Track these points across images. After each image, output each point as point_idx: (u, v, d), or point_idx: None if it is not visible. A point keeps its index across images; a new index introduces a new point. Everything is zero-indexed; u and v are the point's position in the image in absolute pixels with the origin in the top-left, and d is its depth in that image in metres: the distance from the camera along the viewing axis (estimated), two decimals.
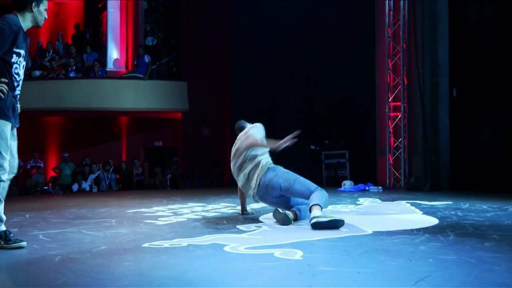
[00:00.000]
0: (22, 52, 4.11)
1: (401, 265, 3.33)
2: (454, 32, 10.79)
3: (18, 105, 4.21)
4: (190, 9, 15.21)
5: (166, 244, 4.13)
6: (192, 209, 6.79)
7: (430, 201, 7.53)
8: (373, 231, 4.69)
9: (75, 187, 13.35)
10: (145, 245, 4.12)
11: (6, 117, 4.00)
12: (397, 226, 5.08)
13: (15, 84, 4.13)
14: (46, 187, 13.44)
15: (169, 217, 5.94)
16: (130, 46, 15.55)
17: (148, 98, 14.50)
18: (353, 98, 12.70)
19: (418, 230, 4.76)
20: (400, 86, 11.28)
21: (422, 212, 6.21)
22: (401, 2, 11.29)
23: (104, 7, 15.48)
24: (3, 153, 3.96)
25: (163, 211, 6.62)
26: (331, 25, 12.45)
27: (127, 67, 15.42)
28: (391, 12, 11.46)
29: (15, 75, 4.11)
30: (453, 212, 6.15)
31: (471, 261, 3.42)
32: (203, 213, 6.32)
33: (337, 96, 12.92)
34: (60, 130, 15.80)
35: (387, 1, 11.42)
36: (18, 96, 4.20)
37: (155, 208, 6.91)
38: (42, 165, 14.60)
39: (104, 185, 13.47)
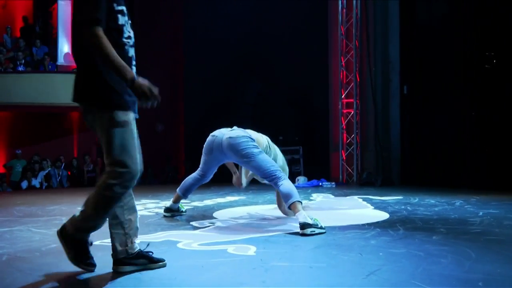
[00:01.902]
0: (125, 9, 3.18)
1: (353, 259, 3.39)
2: (405, 30, 11.04)
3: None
4: (143, 2, 15.01)
5: None
6: (145, 206, 6.72)
7: (381, 196, 7.69)
8: (326, 226, 4.75)
9: (24, 184, 13.01)
10: (97, 242, 4.03)
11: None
12: (349, 221, 5.16)
13: (130, 55, 3.13)
14: None
15: None
16: None
17: None
18: (307, 95, 12.85)
19: (369, 224, 4.85)
20: (352, 83, 11.46)
21: (373, 207, 6.34)
22: (354, 1, 11.46)
23: (54, 0, 15.10)
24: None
25: None
26: (285, 22, 12.56)
27: None
28: (344, 10, 11.62)
29: (127, 40, 3.15)
30: (403, 207, 6.30)
31: (419, 254, 3.51)
32: (156, 210, 6.27)
33: (291, 93, 13.03)
34: (8, 126, 15.35)
35: None
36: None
37: None
38: None
39: (54, 182, 13.18)
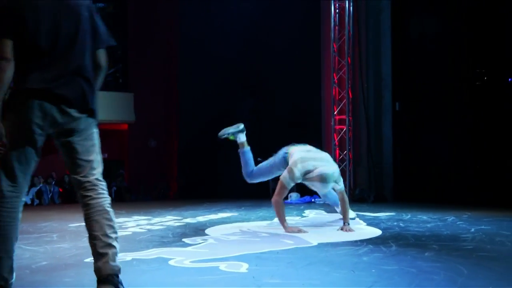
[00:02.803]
0: None
1: (345, 276, 3.38)
2: (397, 47, 11.14)
3: None
4: (137, 19, 15.08)
5: None
6: (137, 223, 6.69)
7: (374, 212, 7.69)
8: (318, 243, 4.74)
9: None
10: (88, 260, 4.01)
11: None
12: (341, 237, 5.15)
13: None
14: None
15: None
16: None
17: None
18: (300, 111, 12.88)
19: (362, 241, 4.85)
20: (345, 100, 11.51)
21: (366, 223, 6.34)
22: (346, 18, 11.55)
23: None
24: None
25: None
26: (279, 40, 12.64)
27: None
28: (336, 27, 11.71)
29: None
30: (395, 223, 6.30)
31: (412, 271, 3.50)
32: (148, 227, 6.23)
33: (284, 109, 13.06)
34: None
35: (332, 16, 11.66)
36: None
37: None
38: None
39: (46, 198, 13.08)
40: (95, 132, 3.33)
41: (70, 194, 13.59)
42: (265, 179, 6.76)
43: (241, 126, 6.66)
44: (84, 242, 5.01)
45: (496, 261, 3.83)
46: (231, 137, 6.65)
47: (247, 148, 6.59)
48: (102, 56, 3.26)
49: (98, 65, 3.25)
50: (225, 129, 6.65)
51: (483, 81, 10.41)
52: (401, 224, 6.24)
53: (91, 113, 3.27)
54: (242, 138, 6.63)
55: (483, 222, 6.23)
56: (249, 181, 6.55)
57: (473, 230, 5.58)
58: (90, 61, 3.16)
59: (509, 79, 10.00)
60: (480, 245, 4.60)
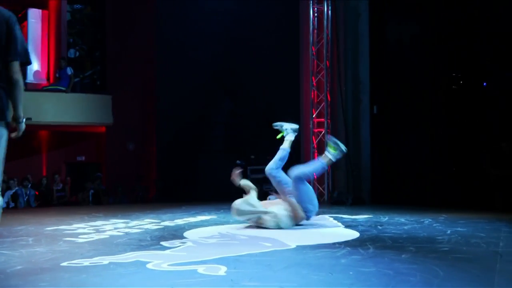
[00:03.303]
0: None
1: (323, 279, 3.40)
2: (375, 51, 11.23)
3: None
4: (115, 21, 14.96)
5: (86, 262, 4.00)
6: (115, 226, 6.63)
7: (352, 215, 7.74)
8: (297, 245, 4.76)
9: None
10: (64, 264, 3.97)
11: None
12: (320, 240, 5.18)
13: None
14: None
15: (90, 234, 5.77)
16: (52, 58, 15.07)
17: (71, 111, 14.07)
18: (278, 114, 12.87)
19: (340, 243, 4.87)
20: (323, 103, 11.56)
21: (344, 226, 6.37)
22: (325, 22, 11.62)
23: (25, 17, 14.93)
24: None
25: (84, 228, 6.43)
26: (257, 42, 12.67)
27: (48, 79, 14.92)
28: (315, 31, 11.76)
29: None
30: (373, 226, 6.35)
31: (389, 273, 3.53)
32: (126, 230, 6.18)
33: (263, 112, 13.08)
34: None
35: (311, 20, 11.71)
36: None
37: (76, 225, 6.69)
38: None
39: (22, 201, 12.89)
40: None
41: (47, 197, 13.43)
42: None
43: (297, 126, 7.11)
44: (60, 246, 4.97)
45: (471, 263, 3.88)
46: (282, 133, 7.02)
47: (289, 149, 6.90)
48: (13, 69, 3.44)
49: (10, 78, 3.44)
50: (282, 122, 7.09)
51: (459, 85, 10.55)
52: (378, 226, 6.30)
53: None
54: (291, 137, 6.99)
55: (459, 224, 6.31)
56: (270, 173, 6.82)
57: (449, 232, 5.65)
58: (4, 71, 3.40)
59: (484, 84, 10.16)
60: (456, 247, 4.67)
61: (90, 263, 3.98)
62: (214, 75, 13.28)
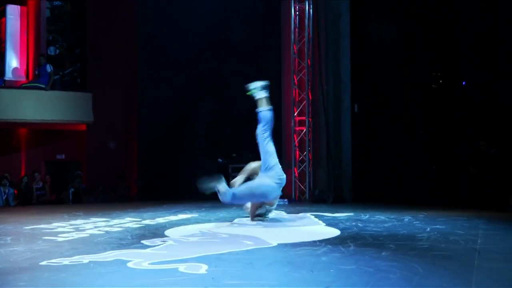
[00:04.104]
0: None
1: (304, 276, 3.41)
2: (356, 51, 11.29)
3: None
4: (95, 18, 14.83)
5: (65, 261, 3.97)
6: (96, 225, 6.57)
7: (333, 213, 7.77)
8: (278, 243, 4.77)
9: None
10: (43, 263, 3.93)
11: None
12: (301, 237, 5.19)
13: None
14: None
15: (70, 233, 5.71)
16: (31, 55, 14.90)
17: (50, 109, 13.93)
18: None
19: (321, 241, 4.89)
20: (305, 101, 11.59)
21: (325, 224, 6.40)
22: (306, 20, 11.65)
23: (3, 13, 14.74)
24: None
25: (64, 227, 6.36)
26: (239, 41, 12.64)
27: (27, 76, 14.75)
28: (296, 30, 11.79)
29: None
30: (354, 223, 6.39)
31: (369, 270, 3.56)
32: (107, 228, 6.14)
33: (244, 110, 13.05)
34: None
35: (292, 19, 11.73)
36: None
37: (56, 224, 6.63)
38: None
39: (0, 200, 12.73)
40: None
41: (26, 196, 13.28)
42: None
43: (264, 83, 6.93)
44: (39, 245, 4.92)
45: (450, 260, 3.92)
46: (251, 92, 6.96)
47: (266, 108, 6.88)
48: None
49: None
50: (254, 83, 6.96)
51: (439, 84, 10.65)
52: (359, 224, 6.33)
53: None
54: (261, 95, 6.90)
55: (438, 222, 6.38)
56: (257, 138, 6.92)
57: (428, 229, 5.71)
58: None
59: (463, 83, 10.27)
60: (435, 244, 4.72)
61: (69, 262, 3.95)
62: (196, 73, 13.23)
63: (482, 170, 9.35)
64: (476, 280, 3.25)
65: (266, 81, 6.98)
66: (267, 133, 6.90)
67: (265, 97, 6.92)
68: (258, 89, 6.92)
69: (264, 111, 6.88)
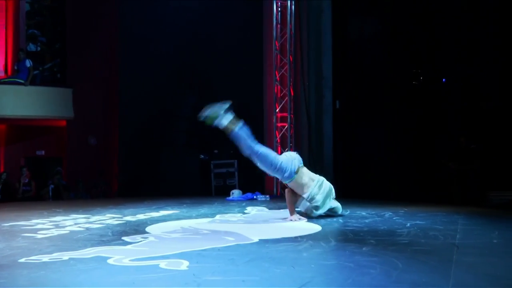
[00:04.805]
0: None
1: (285, 272, 3.42)
2: (337, 47, 11.34)
3: None
4: (76, 13, 14.67)
5: (45, 258, 3.93)
6: (76, 221, 6.52)
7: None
8: (260, 239, 4.78)
9: None
10: (22, 260, 3.89)
11: None
12: (282, 233, 5.21)
13: None
14: None
15: (50, 230, 5.66)
16: (10, 50, 14.68)
17: (30, 105, 13.77)
18: (242, 108, 12.83)
19: (302, 237, 4.91)
20: (287, 97, 11.61)
21: (306, 220, 6.42)
22: (288, 17, 11.66)
23: None
24: None
25: (44, 223, 6.30)
26: (221, 36, 12.62)
27: (6, 72, 14.54)
28: (279, 26, 11.79)
29: None
30: (335, 219, 6.43)
31: (350, 265, 3.58)
32: (87, 225, 6.09)
33: None
34: None
35: (274, 15, 11.74)
36: None
37: (35, 221, 6.56)
38: None
39: None
40: None
41: (5, 193, 13.12)
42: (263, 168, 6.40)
43: (225, 105, 6.02)
44: (18, 242, 4.86)
45: (429, 255, 3.97)
46: (209, 121, 6.10)
47: (239, 126, 6.08)
48: None
49: None
50: (208, 109, 6.05)
51: (419, 81, 10.75)
52: (340, 220, 6.37)
53: None
54: (224, 122, 6.05)
55: (418, 217, 6.44)
56: (253, 158, 6.28)
57: (408, 225, 5.76)
58: None
59: (443, 80, 10.38)
60: (415, 239, 4.76)
61: (49, 259, 3.91)
62: (177, 69, 13.17)
63: (462, 166, 9.47)
64: (454, 274, 3.30)
65: (227, 101, 6.24)
66: (256, 146, 6.25)
67: (231, 120, 6.18)
68: (220, 115, 6.14)
69: (237, 131, 6.14)
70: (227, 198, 10.44)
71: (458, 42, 10.00)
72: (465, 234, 5.11)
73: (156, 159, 13.33)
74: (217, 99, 12.87)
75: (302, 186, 6.35)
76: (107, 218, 6.87)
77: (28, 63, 13.70)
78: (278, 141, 11.68)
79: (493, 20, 9.80)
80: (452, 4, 10.01)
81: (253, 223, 6.26)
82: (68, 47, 14.78)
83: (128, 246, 4.48)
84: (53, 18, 15.35)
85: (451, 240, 4.69)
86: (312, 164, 11.20)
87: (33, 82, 13.91)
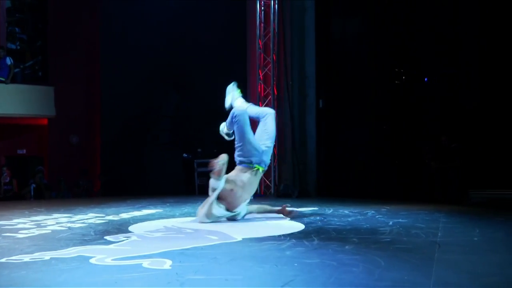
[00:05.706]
0: None
1: (268, 271, 3.42)
2: (321, 46, 11.38)
3: None
4: (57, 11, 14.56)
5: (26, 258, 3.88)
6: (57, 221, 6.46)
7: (298, 207, 7.80)
8: (243, 238, 4.78)
9: None
10: (2, 260, 3.84)
11: None
12: (265, 232, 5.21)
13: None
14: None
15: (31, 230, 5.60)
16: None
17: (11, 103, 13.63)
18: (225, 107, 12.89)
19: (285, 235, 4.92)
20: (270, 96, 11.63)
21: (289, 218, 6.43)
22: (271, 15, 11.67)
23: None
24: None
25: (25, 223, 6.23)
26: (204, 35, 12.60)
27: None
28: (262, 25, 11.80)
29: None
30: (318, 218, 6.44)
31: (332, 264, 3.59)
32: (69, 224, 6.04)
33: (210, 105, 13.02)
34: None
35: (258, 13, 11.74)
36: None
37: (16, 220, 6.48)
38: None
39: None
40: None
41: None
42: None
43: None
44: None
45: (411, 253, 4.00)
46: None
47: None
48: None
49: None
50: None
51: (401, 80, 10.83)
52: (323, 218, 6.39)
53: None
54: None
55: (400, 216, 6.49)
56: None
57: (391, 223, 5.80)
58: None
59: (425, 79, 10.47)
60: (397, 237, 4.79)
61: (30, 259, 3.87)
62: (160, 67, 13.13)
63: (443, 165, 9.55)
64: (436, 272, 3.32)
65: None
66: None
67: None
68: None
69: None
70: None
71: (440, 41, 10.09)
72: (446, 232, 5.16)
73: (138, 158, 13.28)
74: (200, 97, 12.90)
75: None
76: (89, 217, 6.82)
77: (8, 60, 13.55)
78: None
79: (475, 20, 9.91)
80: (434, 4, 10.10)
81: (236, 222, 6.25)
82: (49, 45, 14.65)
83: (111, 246, 4.45)
84: (34, 15, 15.19)
85: (432, 238, 4.73)
86: (296, 163, 11.25)
87: (14, 80, 13.76)
